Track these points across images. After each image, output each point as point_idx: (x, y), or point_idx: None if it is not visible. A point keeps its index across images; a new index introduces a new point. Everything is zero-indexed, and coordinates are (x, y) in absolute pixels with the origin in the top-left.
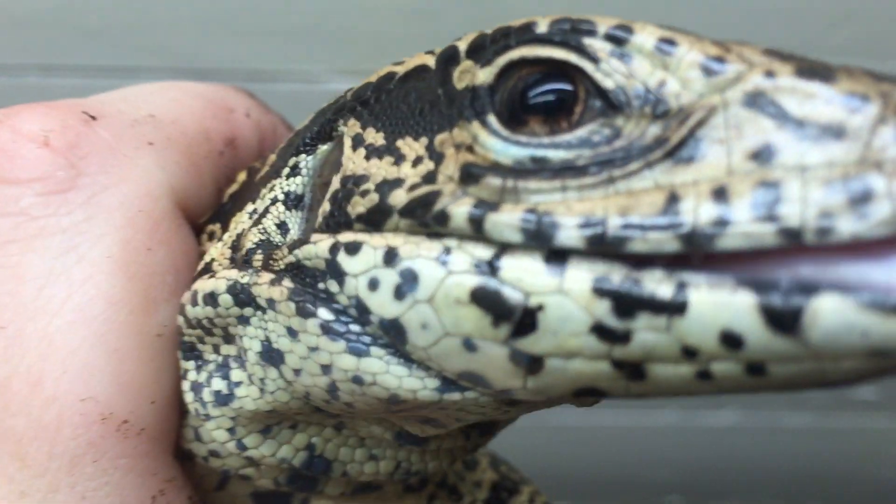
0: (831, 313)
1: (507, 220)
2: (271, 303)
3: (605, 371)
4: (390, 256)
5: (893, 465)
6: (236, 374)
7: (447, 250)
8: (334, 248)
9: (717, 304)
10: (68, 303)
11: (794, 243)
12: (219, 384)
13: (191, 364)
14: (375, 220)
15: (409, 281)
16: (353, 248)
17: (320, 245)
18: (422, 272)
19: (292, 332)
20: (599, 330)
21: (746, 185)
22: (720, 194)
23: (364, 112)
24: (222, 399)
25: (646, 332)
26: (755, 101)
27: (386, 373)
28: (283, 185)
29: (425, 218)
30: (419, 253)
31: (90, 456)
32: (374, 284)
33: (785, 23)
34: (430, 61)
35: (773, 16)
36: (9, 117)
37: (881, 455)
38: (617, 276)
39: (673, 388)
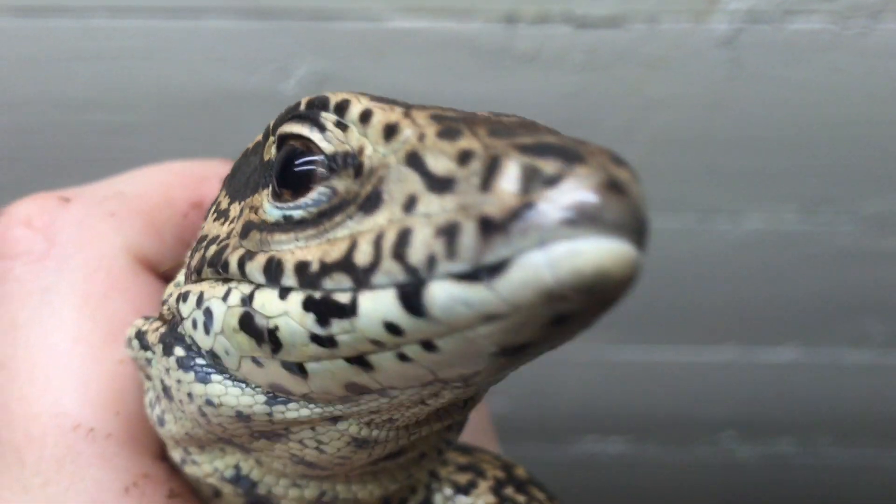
0: (439, 293)
1: (256, 266)
2: (154, 346)
3: (345, 367)
4: (199, 300)
5: None
6: (163, 403)
7: (229, 291)
8: (179, 298)
9: (374, 301)
10: (45, 342)
11: (415, 280)
12: (157, 409)
13: (148, 384)
14: (199, 270)
15: (209, 318)
16: (184, 297)
17: (172, 296)
18: (214, 309)
19: (167, 370)
20: (315, 338)
21: (392, 233)
22: (378, 241)
23: (227, 181)
24: (160, 422)
25: (342, 335)
26: (411, 159)
27: (226, 394)
28: None
29: (217, 266)
30: (213, 294)
31: (69, 457)
32: (194, 324)
33: None
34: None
35: None
36: (5, 210)
37: None
38: (318, 293)
39: (399, 373)
